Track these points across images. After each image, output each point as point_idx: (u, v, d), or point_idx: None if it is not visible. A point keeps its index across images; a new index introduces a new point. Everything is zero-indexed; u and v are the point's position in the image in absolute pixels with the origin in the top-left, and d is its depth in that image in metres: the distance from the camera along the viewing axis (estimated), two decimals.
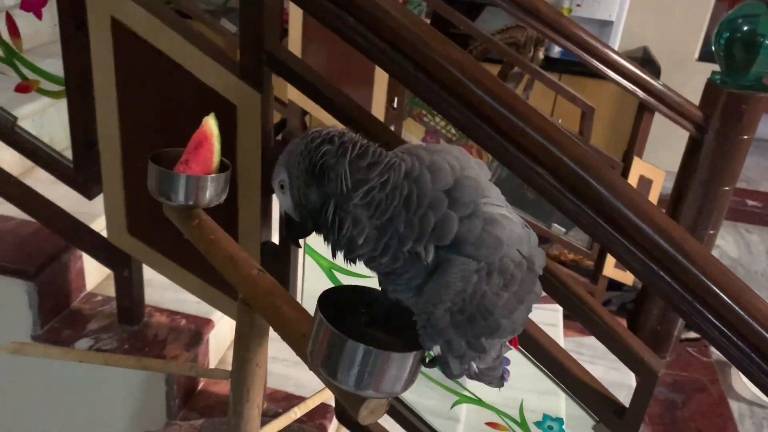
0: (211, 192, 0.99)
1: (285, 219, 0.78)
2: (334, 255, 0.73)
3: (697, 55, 4.19)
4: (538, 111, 1.14)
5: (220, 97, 1.30)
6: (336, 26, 1.15)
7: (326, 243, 0.74)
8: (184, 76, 1.30)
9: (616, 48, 3.33)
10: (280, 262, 1.41)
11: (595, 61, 2.24)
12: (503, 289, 0.71)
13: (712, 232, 2.51)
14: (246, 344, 0.87)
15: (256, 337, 0.86)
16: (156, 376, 1.54)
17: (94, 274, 1.76)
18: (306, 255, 1.41)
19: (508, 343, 0.79)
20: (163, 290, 1.74)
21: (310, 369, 0.72)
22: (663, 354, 2.77)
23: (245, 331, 0.86)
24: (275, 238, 1.43)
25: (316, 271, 1.43)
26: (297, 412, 1.07)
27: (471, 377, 0.77)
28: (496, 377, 0.80)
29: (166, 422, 1.20)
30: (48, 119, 1.92)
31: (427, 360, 0.73)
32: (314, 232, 0.75)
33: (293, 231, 0.78)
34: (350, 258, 0.73)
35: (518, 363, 1.36)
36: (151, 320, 1.67)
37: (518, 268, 0.72)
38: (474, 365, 0.75)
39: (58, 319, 1.63)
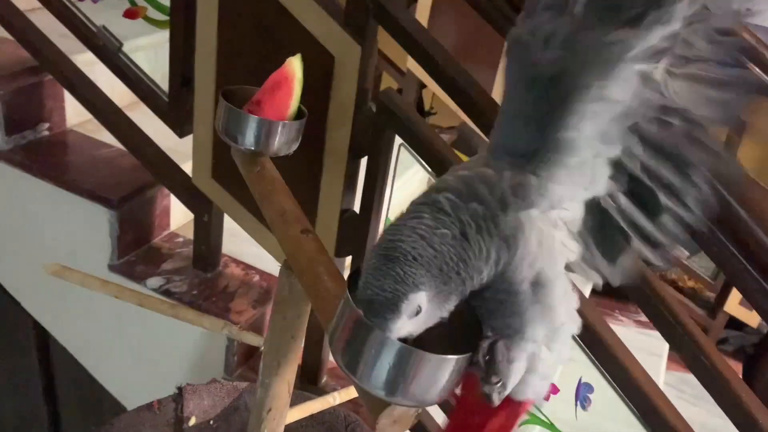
0: (281, 140, 0.90)
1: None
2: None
3: None
4: None
5: (319, 46, 1.20)
6: None
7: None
8: (285, 19, 1.21)
9: None
10: (358, 234, 1.31)
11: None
12: None
13: None
14: (283, 311, 0.77)
15: (294, 306, 0.76)
16: None
17: (181, 214, 1.74)
18: None
19: None
20: (245, 242, 1.69)
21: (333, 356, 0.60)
22: None
23: (284, 296, 0.76)
24: (357, 207, 1.32)
25: None
26: (336, 398, 0.97)
27: None
28: None
29: (211, 379, 1.15)
30: (163, 54, 1.91)
31: None
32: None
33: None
34: None
35: (605, 387, 1.19)
36: (225, 270, 1.62)
37: None
38: None
39: (137, 252, 1.62)
